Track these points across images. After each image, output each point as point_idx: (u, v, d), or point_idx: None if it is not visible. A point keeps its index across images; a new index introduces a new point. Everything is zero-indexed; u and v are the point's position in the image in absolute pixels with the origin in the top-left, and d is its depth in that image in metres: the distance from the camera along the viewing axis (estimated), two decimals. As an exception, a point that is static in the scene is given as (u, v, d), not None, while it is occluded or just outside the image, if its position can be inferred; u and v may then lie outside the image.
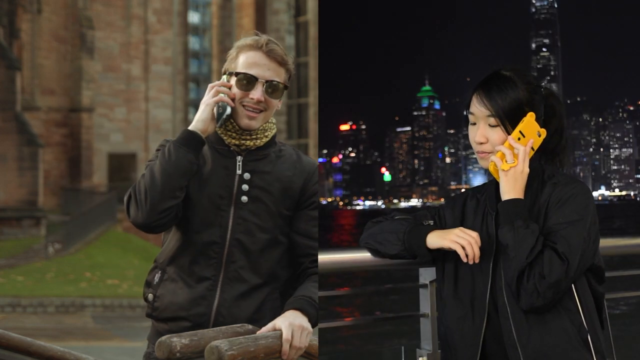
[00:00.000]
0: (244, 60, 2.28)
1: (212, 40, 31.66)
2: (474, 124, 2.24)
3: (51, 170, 26.40)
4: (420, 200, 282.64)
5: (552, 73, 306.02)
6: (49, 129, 26.99)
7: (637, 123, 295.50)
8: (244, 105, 2.27)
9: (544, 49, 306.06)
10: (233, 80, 2.29)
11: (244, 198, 2.26)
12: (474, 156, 2.30)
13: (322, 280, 2.42)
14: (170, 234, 2.30)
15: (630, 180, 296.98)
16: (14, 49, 25.87)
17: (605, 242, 2.29)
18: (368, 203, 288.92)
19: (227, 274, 2.24)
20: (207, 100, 2.26)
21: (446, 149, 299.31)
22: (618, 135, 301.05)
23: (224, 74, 2.34)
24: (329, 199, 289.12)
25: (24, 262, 19.68)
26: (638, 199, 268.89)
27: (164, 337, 1.96)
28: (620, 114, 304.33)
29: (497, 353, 2.16)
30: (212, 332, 2.03)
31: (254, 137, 2.31)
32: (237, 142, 2.30)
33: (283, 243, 2.32)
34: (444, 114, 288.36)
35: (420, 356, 2.73)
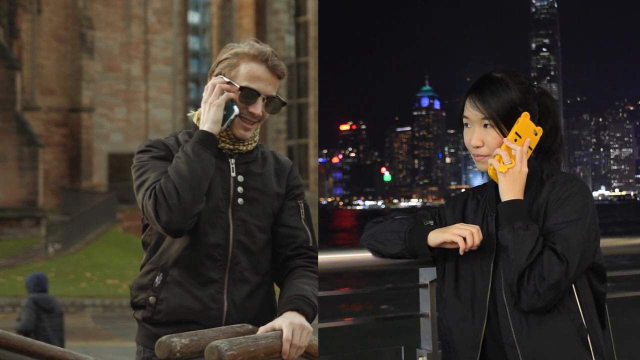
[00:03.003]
0: (246, 72, 2.26)
1: (212, 40, 31.66)
2: (469, 127, 2.24)
3: (51, 170, 26.40)
4: (420, 200, 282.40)
5: (552, 73, 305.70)
6: (49, 129, 27.00)
7: (637, 123, 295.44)
8: (241, 117, 2.27)
9: (544, 49, 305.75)
10: (233, 88, 2.27)
11: (240, 200, 2.27)
12: (474, 156, 2.27)
13: (322, 280, 2.41)
14: None
15: (630, 180, 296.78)
16: (14, 49, 25.88)
17: (605, 242, 2.28)
18: (368, 203, 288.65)
19: (232, 276, 2.24)
20: (215, 101, 2.24)
21: (446, 149, 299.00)
22: (618, 135, 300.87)
23: (217, 74, 2.30)
24: (329, 199, 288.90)
25: (24, 262, 19.68)
26: (638, 199, 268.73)
27: (163, 337, 1.96)
28: (620, 114, 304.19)
29: (497, 353, 2.16)
30: (212, 332, 2.03)
31: (246, 143, 2.33)
32: (230, 147, 2.31)
33: (271, 240, 2.34)
34: (444, 114, 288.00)
35: (420, 356, 2.72)
